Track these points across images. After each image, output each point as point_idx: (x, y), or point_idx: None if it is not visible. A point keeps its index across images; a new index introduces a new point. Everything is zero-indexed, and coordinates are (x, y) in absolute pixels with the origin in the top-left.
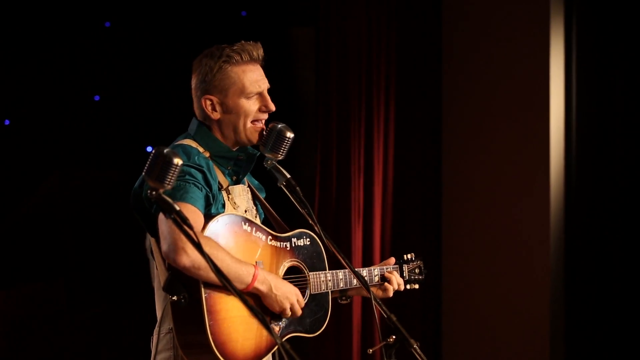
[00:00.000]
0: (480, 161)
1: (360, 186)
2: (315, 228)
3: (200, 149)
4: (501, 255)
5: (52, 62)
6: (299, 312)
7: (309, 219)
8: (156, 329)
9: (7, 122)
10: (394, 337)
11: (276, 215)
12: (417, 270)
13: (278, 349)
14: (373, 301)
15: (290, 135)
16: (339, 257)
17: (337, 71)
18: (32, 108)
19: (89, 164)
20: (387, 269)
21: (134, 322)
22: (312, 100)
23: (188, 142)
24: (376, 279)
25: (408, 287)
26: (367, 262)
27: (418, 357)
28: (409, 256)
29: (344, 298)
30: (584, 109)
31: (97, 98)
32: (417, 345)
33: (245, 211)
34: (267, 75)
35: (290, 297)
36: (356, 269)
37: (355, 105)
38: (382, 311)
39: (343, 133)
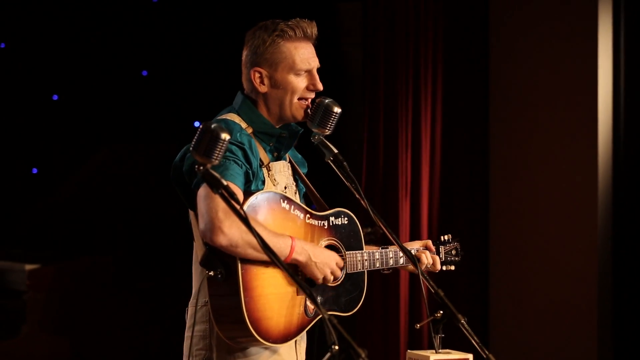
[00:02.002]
0: (528, 137)
1: (407, 161)
2: (363, 203)
3: (243, 124)
4: (549, 231)
5: (99, 37)
6: (340, 274)
7: (357, 195)
8: (192, 301)
9: (55, 97)
10: (441, 312)
11: (315, 191)
12: (453, 252)
13: (324, 323)
14: (420, 276)
15: (337, 110)
16: (387, 232)
17: (384, 47)
18: (80, 83)
19: (138, 138)
20: (418, 249)
21: (181, 296)
22: (359, 75)
23: (231, 116)
24: (401, 260)
25: (444, 268)
26: (415, 238)
27: (465, 332)
28: (445, 237)
29: (385, 269)
30: (633, 92)
31: (144, 73)
32: (464, 321)
33: (285, 187)
34: (315, 50)
35: (329, 262)
36: (387, 248)
37: (402, 81)
38: (429, 286)
39: (390, 108)
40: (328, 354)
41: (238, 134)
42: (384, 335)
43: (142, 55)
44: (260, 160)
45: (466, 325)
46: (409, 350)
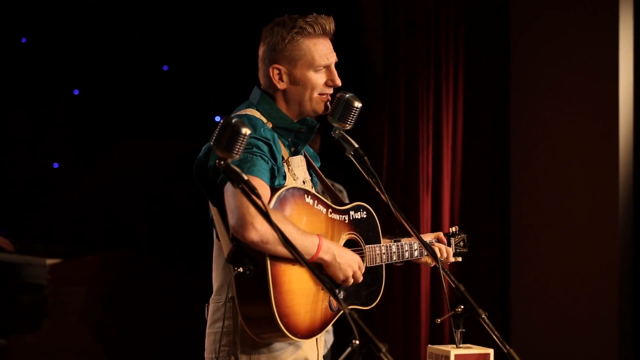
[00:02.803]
0: (550, 131)
1: (428, 156)
2: (383, 198)
3: (263, 120)
4: (570, 225)
5: (121, 32)
6: (360, 279)
7: (377, 189)
8: (214, 297)
9: (76, 92)
10: (462, 307)
11: (330, 185)
12: (461, 244)
13: (345, 318)
14: (441, 271)
15: (358, 104)
16: (408, 227)
17: (405, 41)
18: (101, 78)
19: (158, 133)
20: (431, 241)
21: (202, 291)
22: (380, 69)
23: (252, 112)
24: (416, 253)
25: (453, 260)
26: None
27: (486, 327)
28: (453, 229)
29: (399, 262)
30: None
31: (165, 68)
32: (485, 315)
33: (304, 182)
34: (335, 45)
35: (352, 265)
36: (402, 240)
37: (423, 75)
38: (450, 281)
39: (411, 103)
40: (349, 349)
41: (262, 130)
42: (405, 329)
43: (163, 50)
44: (282, 155)
45: (487, 320)
46: (429, 345)
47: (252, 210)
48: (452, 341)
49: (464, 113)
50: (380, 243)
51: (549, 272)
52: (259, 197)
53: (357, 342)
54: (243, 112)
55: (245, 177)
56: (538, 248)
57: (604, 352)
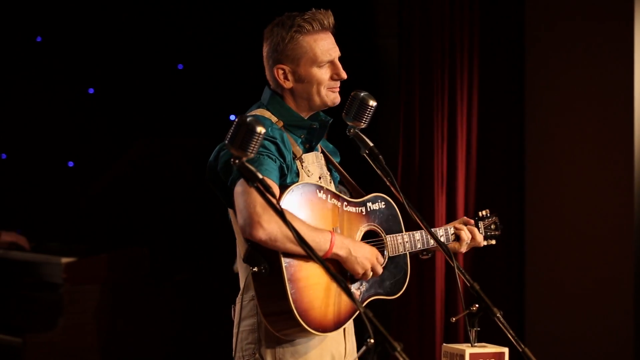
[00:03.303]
0: (564, 128)
1: (443, 154)
2: (399, 197)
3: (274, 119)
4: (585, 223)
5: (135, 31)
6: (380, 271)
7: (392, 188)
8: (239, 296)
9: (91, 90)
10: (477, 305)
11: (350, 179)
12: (492, 227)
13: (359, 315)
14: (456, 270)
15: (372, 103)
16: (422, 226)
17: (420, 38)
18: (116, 77)
19: (173, 132)
20: (457, 226)
21: (217, 288)
22: (395, 68)
23: (261, 112)
24: (452, 237)
25: (485, 243)
26: None
27: (501, 325)
28: (483, 213)
29: (425, 253)
30: None
31: (180, 67)
32: (500, 314)
33: (320, 178)
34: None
35: (370, 257)
36: (433, 229)
37: (438, 72)
38: (465, 280)
39: (426, 100)
40: (363, 348)
41: (269, 129)
42: (420, 328)
43: (178, 49)
44: (293, 153)
45: (502, 319)
46: (444, 344)
47: (259, 209)
48: (467, 340)
49: (479, 111)
50: (402, 232)
51: (564, 271)
52: (274, 196)
53: (372, 340)
54: (252, 113)
55: (260, 176)
56: (553, 247)
57: (619, 351)
